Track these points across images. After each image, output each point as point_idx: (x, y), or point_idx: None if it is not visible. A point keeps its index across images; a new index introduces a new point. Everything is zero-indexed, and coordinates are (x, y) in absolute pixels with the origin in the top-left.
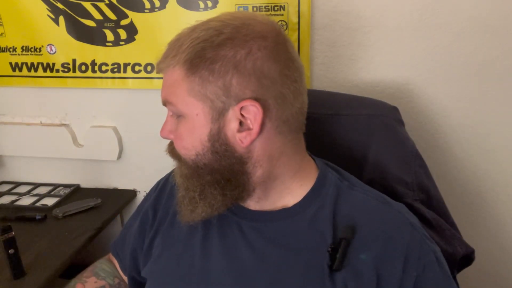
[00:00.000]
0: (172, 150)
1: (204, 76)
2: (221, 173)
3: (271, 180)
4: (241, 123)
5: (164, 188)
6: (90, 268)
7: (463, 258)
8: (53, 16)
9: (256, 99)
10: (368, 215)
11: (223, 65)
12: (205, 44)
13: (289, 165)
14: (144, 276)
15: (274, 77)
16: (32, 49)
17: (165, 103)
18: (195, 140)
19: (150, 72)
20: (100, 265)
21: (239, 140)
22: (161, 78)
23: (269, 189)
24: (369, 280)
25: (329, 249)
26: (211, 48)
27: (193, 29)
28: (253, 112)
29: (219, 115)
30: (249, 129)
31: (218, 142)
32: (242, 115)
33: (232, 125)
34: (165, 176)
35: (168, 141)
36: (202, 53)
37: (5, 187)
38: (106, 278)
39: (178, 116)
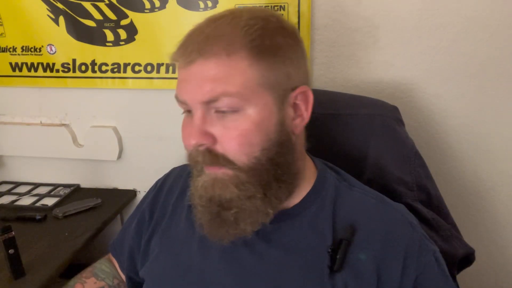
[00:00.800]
0: (214, 157)
1: (271, 62)
2: (281, 167)
3: (298, 174)
4: (294, 110)
5: (162, 188)
6: (89, 269)
7: (463, 259)
8: (53, 16)
9: (307, 85)
10: (367, 215)
11: (283, 52)
12: (263, 32)
13: (304, 160)
14: (142, 276)
15: (307, 65)
16: (32, 49)
17: (214, 98)
18: (262, 133)
19: (150, 72)
20: (100, 265)
21: (294, 127)
22: (162, 78)
23: (289, 184)
24: (369, 280)
25: (329, 250)
26: (268, 36)
27: (231, 18)
28: (305, 98)
29: (282, 103)
30: (301, 115)
31: (282, 132)
32: (294, 102)
33: (289, 113)
34: (163, 176)
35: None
36: (263, 40)
37: (5, 187)
38: (106, 279)
39: (232, 111)
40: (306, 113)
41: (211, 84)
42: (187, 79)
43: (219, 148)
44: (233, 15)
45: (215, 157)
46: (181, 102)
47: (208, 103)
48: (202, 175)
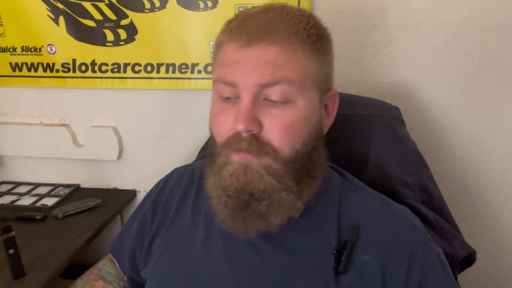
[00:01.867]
0: (258, 144)
1: (320, 60)
2: (313, 163)
3: (321, 172)
4: (325, 110)
5: (164, 189)
6: (95, 271)
7: (464, 259)
8: (53, 16)
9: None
10: (372, 217)
11: (328, 53)
12: (316, 30)
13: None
14: (144, 277)
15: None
16: (32, 49)
17: (274, 81)
18: (306, 127)
19: (150, 72)
20: (105, 267)
21: (324, 126)
22: (162, 78)
23: (317, 180)
24: (374, 283)
25: (334, 252)
26: (320, 36)
27: (279, 12)
28: (334, 100)
29: (321, 101)
30: (329, 116)
31: (319, 128)
32: (326, 103)
33: (322, 112)
34: (165, 177)
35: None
36: (317, 37)
37: (5, 187)
38: (113, 282)
39: (284, 102)
40: (332, 115)
41: (272, 68)
42: (244, 61)
43: (264, 136)
44: (287, 9)
45: (260, 145)
46: (227, 83)
47: (265, 86)
48: (229, 164)
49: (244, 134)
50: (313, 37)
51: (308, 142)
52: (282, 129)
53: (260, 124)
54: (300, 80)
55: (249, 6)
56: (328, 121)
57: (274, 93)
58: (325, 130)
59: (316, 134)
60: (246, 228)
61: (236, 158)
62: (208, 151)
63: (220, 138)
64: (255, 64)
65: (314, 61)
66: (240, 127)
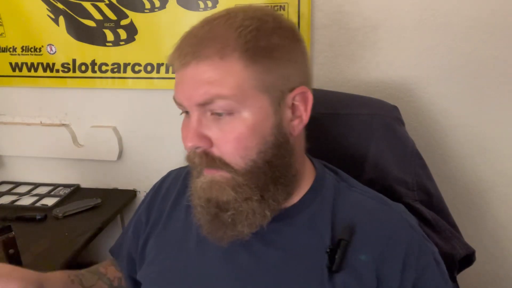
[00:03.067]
0: (210, 160)
1: (266, 65)
2: (279, 169)
3: (297, 176)
4: (292, 111)
5: (159, 191)
6: (105, 262)
7: (463, 259)
8: (53, 16)
9: (306, 85)
10: (366, 216)
11: (280, 53)
12: (258, 33)
13: (303, 161)
14: (139, 280)
15: (308, 63)
16: (32, 49)
17: (208, 101)
18: (257, 136)
19: (150, 72)
20: (113, 261)
21: (292, 129)
22: (162, 78)
23: (287, 187)
24: (369, 281)
25: (328, 250)
26: (264, 37)
27: (226, 19)
28: (304, 99)
29: (279, 105)
30: (299, 116)
31: (280, 134)
32: (292, 103)
33: (287, 114)
34: (160, 180)
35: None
36: (258, 41)
37: (5, 187)
38: (123, 270)
39: (228, 114)
40: (305, 114)
41: (205, 87)
42: (183, 81)
43: (216, 151)
44: (228, 16)
45: (212, 160)
46: (178, 104)
47: (203, 105)
48: (201, 177)
49: (197, 150)
50: (252, 42)
51: (265, 150)
52: (230, 142)
53: (209, 140)
54: (238, 92)
55: (202, 21)
56: (299, 122)
57: (216, 108)
58: (296, 132)
59: (276, 141)
60: (218, 236)
61: (205, 172)
62: None
63: (186, 152)
64: (191, 85)
65: (256, 68)
66: (188, 144)
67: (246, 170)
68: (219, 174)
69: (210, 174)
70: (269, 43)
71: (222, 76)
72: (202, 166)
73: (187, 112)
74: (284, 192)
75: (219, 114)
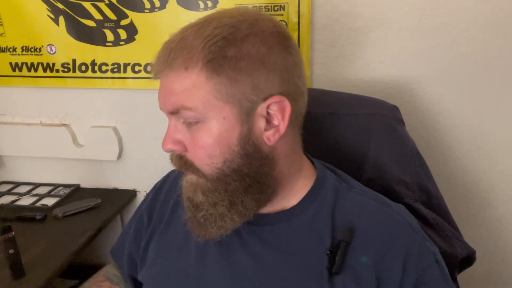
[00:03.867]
0: (184, 163)
1: (231, 76)
2: (250, 177)
3: (284, 180)
4: (267, 120)
5: (160, 191)
6: (102, 273)
7: (464, 259)
8: (53, 16)
9: (283, 94)
10: (367, 217)
11: (250, 62)
12: (226, 42)
13: (296, 164)
14: (140, 281)
15: (291, 70)
16: (32, 49)
17: (175, 110)
18: (222, 146)
19: (150, 72)
20: (111, 270)
21: (267, 138)
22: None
23: (279, 190)
24: (369, 283)
25: (328, 252)
26: (233, 46)
27: (200, 26)
28: (281, 108)
29: (248, 115)
30: (276, 126)
31: (248, 144)
32: (267, 112)
33: (259, 124)
34: (161, 180)
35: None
36: (224, 51)
37: (5, 187)
38: (119, 283)
39: (196, 122)
40: (282, 123)
41: (173, 97)
42: (160, 88)
43: (188, 156)
44: (203, 23)
45: (185, 164)
46: (160, 109)
47: (173, 114)
48: (184, 176)
49: (173, 154)
50: (215, 53)
51: (231, 159)
52: (196, 150)
53: (183, 145)
54: (201, 104)
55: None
56: (274, 132)
57: (183, 117)
58: (272, 141)
59: (244, 151)
60: (197, 233)
61: (186, 174)
62: None
63: None
64: (164, 93)
65: (219, 80)
66: (163, 148)
67: (213, 177)
68: (195, 178)
69: (189, 175)
70: (237, 52)
71: (186, 87)
72: (180, 169)
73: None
74: (256, 199)
75: (189, 122)
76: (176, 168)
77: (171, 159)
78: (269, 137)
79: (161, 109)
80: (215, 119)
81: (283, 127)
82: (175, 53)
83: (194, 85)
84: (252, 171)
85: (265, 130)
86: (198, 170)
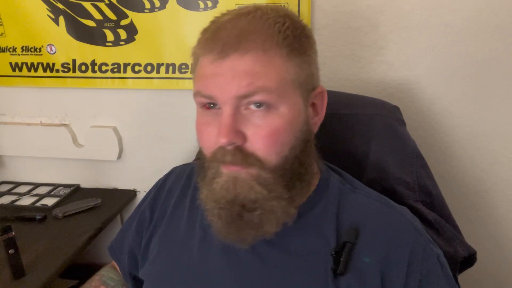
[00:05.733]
0: (243, 156)
1: (299, 62)
2: (305, 166)
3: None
4: (313, 108)
5: (162, 188)
6: (97, 278)
7: (464, 260)
8: (53, 16)
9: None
10: (371, 218)
11: (308, 51)
12: (294, 31)
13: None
14: (141, 277)
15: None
16: (32, 49)
17: (251, 92)
18: (292, 132)
19: (150, 72)
20: (107, 273)
21: (313, 126)
22: (162, 78)
23: (309, 184)
24: (374, 284)
25: (333, 253)
26: (298, 35)
27: (260, 14)
28: (322, 98)
29: (307, 101)
30: (318, 115)
31: (307, 130)
32: (313, 102)
33: (310, 112)
34: (163, 177)
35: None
36: (294, 38)
37: (5, 187)
38: (115, 287)
39: (266, 107)
40: (321, 113)
41: (249, 78)
42: (220, 73)
43: (249, 147)
44: (261, 11)
45: (244, 156)
46: (206, 97)
47: (243, 98)
48: (219, 177)
49: (228, 147)
50: (290, 39)
51: (296, 146)
52: (265, 138)
53: (243, 136)
54: (279, 86)
55: (224, 14)
56: (317, 120)
57: (257, 100)
58: (315, 129)
59: (304, 136)
60: (240, 238)
61: (225, 170)
62: (199, 161)
63: (207, 151)
64: (231, 76)
65: (292, 64)
66: (222, 141)
67: (276, 167)
68: (245, 171)
69: (234, 171)
70: (301, 41)
71: (265, 69)
72: (236, 164)
73: (209, 108)
74: (308, 187)
75: (258, 107)
76: (228, 163)
77: (216, 156)
78: (315, 125)
79: (209, 97)
80: (288, 103)
81: (322, 116)
82: (248, 35)
83: (273, 67)
84: (306, 159)
85: (312, 118)
86: (259, 161)
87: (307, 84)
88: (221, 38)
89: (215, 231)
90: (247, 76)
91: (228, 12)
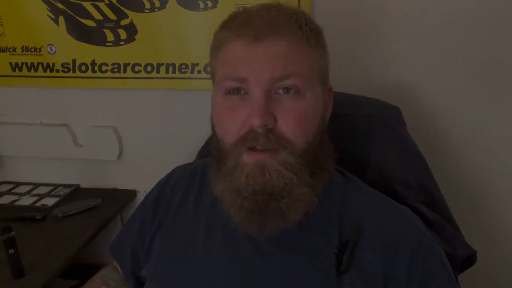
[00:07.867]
0: (275, 138)
1: (320, 55)
2: (324, 154)
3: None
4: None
5: (164, 188)
6: (97, 278)
7: (465, 260)
8: (53, 16)
9: None
10: (374, 217)
11: (325, 47)
12: (312, 26)
13: None
14: (144, 276)
15: None
16: (32, 49)
17: (286, 75)
18: (315, 119)
19: (150, 72)
20: (108, 273)
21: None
22: (162, 78)
23: (326, 173)
24: (377, 281)
25: (336, 251)
26: (317, 31)
27: (282, 8)
28: (330, 95)
29: (324, 93)
30: (328, 109)
31: (324, 121)
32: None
33: (325, 104)
34: (165, 176)
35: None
36: (316, 33)
37: (5, 187)
38: (116, 287)
39: (296, 92)
40: (329, 109)
41: (284, 62)
42: (254, 56)
43: (279, 129)
44: (285, 7)
45: (277, 139)
46: (237, 80)
47: (277, 80)
48: (243, 166)
49: (260, 130)
50: (314, 31)
51: (317, 134)
52: (295, 121)
53: (274, 118)
54: (308, 73)
55: (249, 6)
56: (328, 115)
57: (289, 83)
58: (326, 122)
59: (323, 127)
60: (265, 228)
61: (250, 159)
62: (213, 154)
63: (230, 137)
64: (266, 59)
65: (318, 55)
66: (257, 122)
67: (304, 151)
68: (273, 158)
69: (262, 159)
70: (321, 35)
71: (298, 55)
72: (269, 145)
73: (237, 92)
74: (325, 179)
75: (287, 92)
76: (257, 149)
77: (247, 138)
78: (326, 120)
79: (242, 80)
80: (313, 91)
81: (329, 113)
82: (281, 23)
83: (304, 55)
84: (325, 148)
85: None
86: (289, 144)
87: (325, 78)
88: (255, 23)
89: (235, 223)
90: (282, 60)
91: (252, 6)
